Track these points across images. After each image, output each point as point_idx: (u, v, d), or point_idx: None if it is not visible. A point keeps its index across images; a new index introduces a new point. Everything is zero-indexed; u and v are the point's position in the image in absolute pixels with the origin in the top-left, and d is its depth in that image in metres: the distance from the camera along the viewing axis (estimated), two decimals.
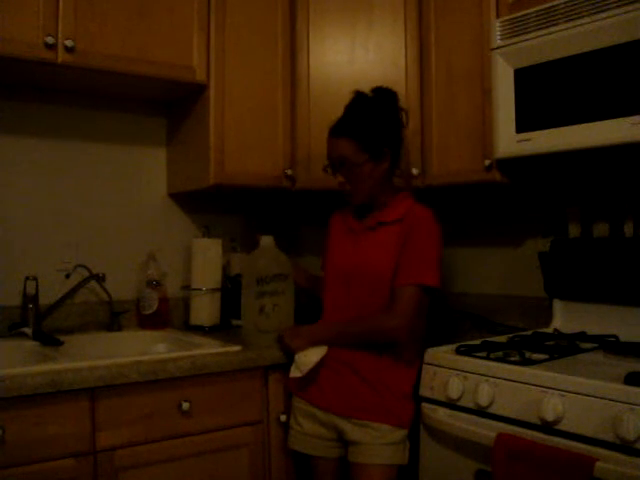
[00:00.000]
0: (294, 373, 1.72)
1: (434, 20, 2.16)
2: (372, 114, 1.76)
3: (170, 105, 2.34)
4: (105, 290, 2.17)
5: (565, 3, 1.72)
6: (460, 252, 2.53)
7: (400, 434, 1.68)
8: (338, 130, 1.76)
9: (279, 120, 2.20)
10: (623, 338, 1.83)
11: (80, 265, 2.12)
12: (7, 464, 1.44)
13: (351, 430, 1.69)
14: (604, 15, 1.63)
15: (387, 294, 1.69)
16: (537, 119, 1.79)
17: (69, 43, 1.80)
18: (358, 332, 1.71)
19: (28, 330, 1.95)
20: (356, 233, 1.81)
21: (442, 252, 1.72)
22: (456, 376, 1.65)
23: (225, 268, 2.33)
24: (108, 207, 2.25)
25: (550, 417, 1.39)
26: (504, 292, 2.35)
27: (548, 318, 2.09)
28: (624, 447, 1.28)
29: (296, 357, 1.72)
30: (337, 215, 1.95)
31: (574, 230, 2.07)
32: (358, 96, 1.80)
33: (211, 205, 2.45)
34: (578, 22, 1.69)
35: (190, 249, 2.29)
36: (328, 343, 1.73)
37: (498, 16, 1.95)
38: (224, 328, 2.24)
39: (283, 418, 1.84)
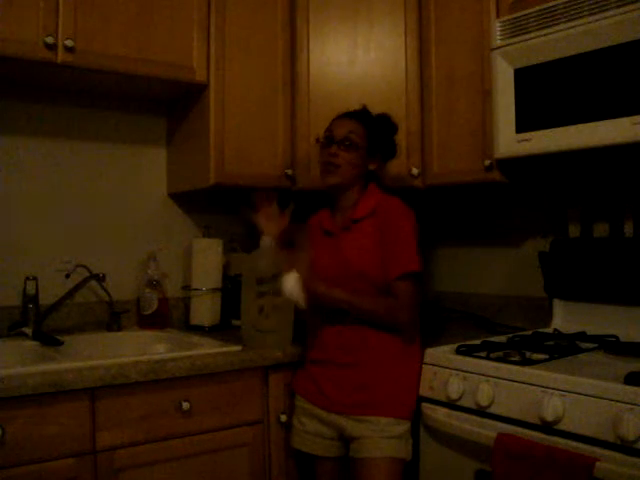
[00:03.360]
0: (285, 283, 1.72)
1: (434, 20, 2.16)
2: (385, 125, 1.87)
3: (170, 105, 2.34)
4: (105, 290, 2.17)
5: (565, 3, 1.72)
6: (460, 252, 2.53)
7: (401, 428, 1.67)
8: (351, 114, 1.85)
9: (279, 120, 2.20)
10: (623, 338, 1.83)
11: (80, 265, 2.11)
12: (7, 464, 1.43)
13: (351, 427, 1.69)
14: (604, 15, 1.63)
15: (373, 290, 1.71)
16: (537, 119, 1.79)
17: (69, 43, 1.80)
18: (369, 311, 1.71)
19: (28, 330, 1.94)
20: (333, 235, 1.83)
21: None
22: (456, 376, 1.65)
23: (225, 268, 2.33)
24: (108, 207, 2.25)
25: (550, 417, 1.39)
26: (504, 292, 2.35)
27: (548, 318, 2.09)
28: (624, 447, 1.28)
29: (292, 274, 1.73)
30: (312, 220, 1.97)
31: (574, 230, 2.07)
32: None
33: (211, 205, 2.45)
34: (578, 22, 1.69)
35: (190, 249, 2.29)
36: (327, 299, 1.73)
37: (498, 16, 1.95)
38: (224, 328, 2.24)
39: (283, 418, 1.84)
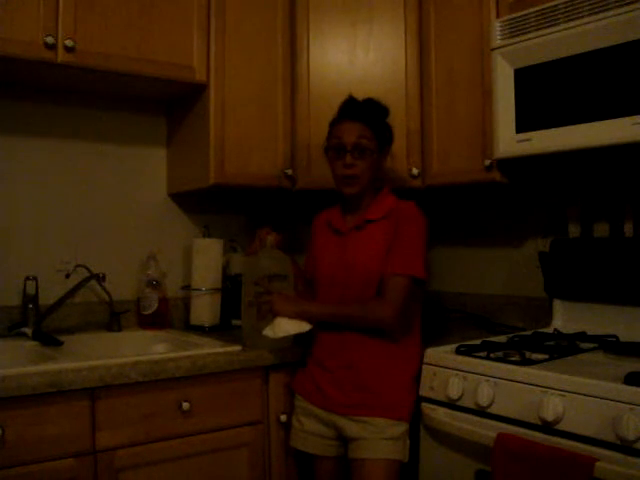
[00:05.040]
0: (267, 332, 1.71)
1: (434, 20, 2.16)
2: (380, 112, 1.82)
3: (170, 105, 2.34)
4: (105, 290, 2.16)
5: (565, 3, 1.72)
6: (460, 252, 2.53)
7: (399, 429, 1.67)
8: (355, 115, 1.78)
9: (279, 120, 2.20)
10: (623, 338, 1.83)
11: (80, 265, 2.11)
12: (7, 464, 1.44)
13: (350, 427, 1.69)
14: (604, 15, 1.63)
15: (373, 292, 1.71)
16: (537, 119, 1.79)
17: (69, 43, 1.80)
18: (348, 315, 1.71)
19: (28, 330, 1.94)
20: (343, 234, 1.82)
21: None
22: (456, 376, 1.65)
23: (225, 268, 2.33)
24: (108, 207, 2.25)
25: (550, 417, 1.39)
26: (504, 292, 2.35)
27: (548, 318, 2.09)
28: (624, 447, 1.28)
29: (276, 320, 1.71)
30: (320, 217, 1.95)
31: (574, 230, 2.08)
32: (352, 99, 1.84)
33: (211, 205, 2.45)
34: (578, 22, 1.69)
35: (190, 249, 2.29)
36: (317, 318, 1.74)
37: (498, 16, 1.95)
38: (224, 328, 2.24)
39: (283, 418, 1.84)
